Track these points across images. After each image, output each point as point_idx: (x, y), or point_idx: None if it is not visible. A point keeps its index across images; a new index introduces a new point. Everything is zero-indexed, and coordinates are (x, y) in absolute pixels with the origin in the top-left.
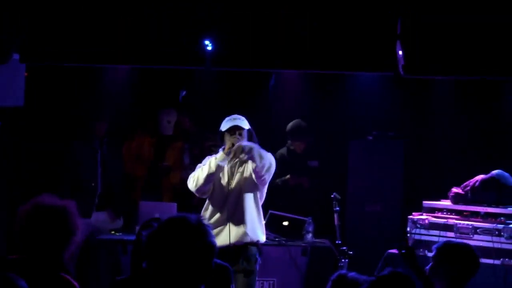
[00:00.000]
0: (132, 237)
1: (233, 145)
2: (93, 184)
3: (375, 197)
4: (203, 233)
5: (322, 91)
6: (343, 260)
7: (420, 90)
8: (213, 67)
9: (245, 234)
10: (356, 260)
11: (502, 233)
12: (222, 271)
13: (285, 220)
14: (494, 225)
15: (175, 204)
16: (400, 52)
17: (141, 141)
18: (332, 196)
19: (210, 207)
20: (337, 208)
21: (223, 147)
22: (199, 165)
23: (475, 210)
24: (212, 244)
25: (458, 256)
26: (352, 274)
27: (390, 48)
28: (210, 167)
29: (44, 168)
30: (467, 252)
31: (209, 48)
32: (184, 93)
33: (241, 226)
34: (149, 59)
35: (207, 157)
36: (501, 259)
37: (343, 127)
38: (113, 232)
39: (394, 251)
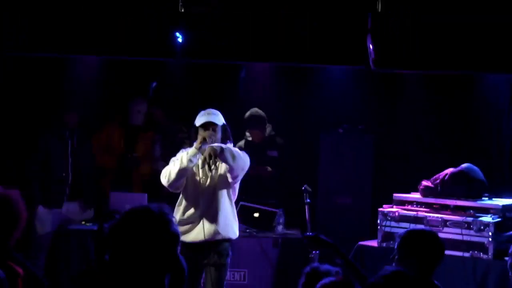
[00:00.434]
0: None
1: (204, 139)
2: (64, 175)
3: (345, 189)
4: (166, 223)
5: (293, 84)
6: (313, 252)
7: (390, 84)
8: (184, 59)
9: (218, 231)
10: (327, 252)
11: (471, 226)
12: None
13: (255, 212)
14: (464, 218)
15: (146, 195)
16: (371, 46)
17: (110, 132)
18: (302, 188)
19: (184, 202)
20: (308, 200)
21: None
22: (172, 159)
23: (445, 203)
24: (176, 233)
25: (422, 243)
26: (325, 266)
27: (360, 42)
28: (182, 162)
29: (14, 159)
30: (432, 238)
31: (180, 40)
32: (154, 84)
33: (214, 223)
34: (119, 50)
35: (180, 151)
36: (471, 252)
37: (314, 120)
38: (83, 222)
39: (365, 243)
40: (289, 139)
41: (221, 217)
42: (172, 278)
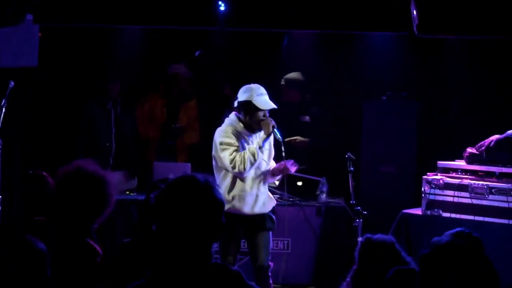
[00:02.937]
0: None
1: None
2: (107, 144)
3: (389, 157)
4: (211, 191)
5: (335, 52)
6: (357, 220)
7: (434, 50)
8: (226, 27)
9: (271, 200)
10: (370, 221)
11: None
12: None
13: (299, 181)
14: (509, 185)
15: (189, 164)
16: (414, 12)
17: (153, 102)
18: (346, 156)
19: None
20: (352, 168)
21: (257, 131)
22: (226, 142)
23: (490, 170)
24: (221, 201)
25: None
26: (378, 235)
27: (404, 7)
28: (255, 158)
29: (58, 129)
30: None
31: (222, 8)
32: (198, 53)
33: (266, 193)
34: (162, 19)
35: (228, 124)
36: None
37: (357, 88)
38: (127, 192)
39: (409, 211)
40: (332, 107)
41: (267, 189)
42: None
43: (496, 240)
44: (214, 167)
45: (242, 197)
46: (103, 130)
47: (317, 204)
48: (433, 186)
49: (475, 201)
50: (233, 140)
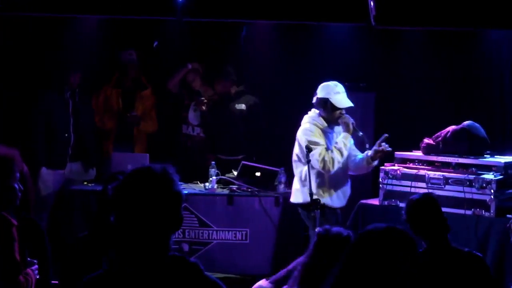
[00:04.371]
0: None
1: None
2: (66, 135)
3: None
4: (169, 182)
5: (294, 42)
6: (315, 211)
7: (391, 41)
8: (184, 17)
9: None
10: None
11: (473, 184)
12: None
13: (257, 171)
14: (466, 175)
15: (147, 155)
16: (372, 3)
17: (108, 92)
18: (304, 146)
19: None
20: (310, 159)
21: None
22: (315, 144)
23: (447, 160)
24: (179, 192)
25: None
26: (336, 228)
27: None
28: (343, 156)
29: (16, 118)
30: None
31: None
32: (156, 44)
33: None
34: (121, 9)
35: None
36: (472, 210)
37: (316, 78)
38: (85, 183)
39: (367, 201)
40: (291, 97)
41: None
42: None
43: (452, 231)
44: (294, 163)
45: (326, 190)
46: (61, 120)
47: (275, 195)
48: (390, 177)
49: (431, 192)
50: (319, 139)
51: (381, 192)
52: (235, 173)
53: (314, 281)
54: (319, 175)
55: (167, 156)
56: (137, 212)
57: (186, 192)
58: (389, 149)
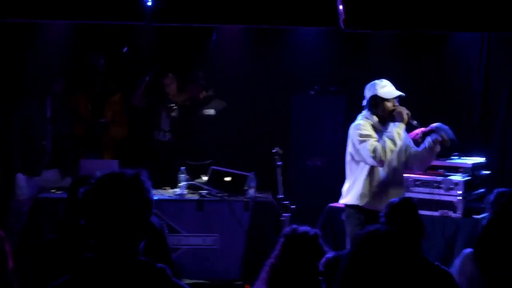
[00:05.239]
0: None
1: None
2: (44, 143)
3: (317, 151)
4: (139, 187)
5: (263, 46)
6: (285, 215)
7: (361, 45)
8: (153, 22)
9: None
10: (298, 214)
11: (441, 185)
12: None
13: (227, 176)
14: (434, 177)
15: (117, 161)
16: (341, 7)
17: (77, 99)
18: (274, 151)
19: (378, 174)
20: (279, 163)
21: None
22: (367, 136)
23: None
24: (149, 199)
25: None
26: (303, 227)
27: (331, 2)
28: (396, 145)
29: None
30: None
31: (149, 3)
32: (125, 49)
33: (402, 191)
34: (88, 14)
35: (363, 129)
36: (440, 211)
37: (286, 82)
38: (53, 190)
39: (335, 204)
40: (261, 101)
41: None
42: (152, 242)
43: None
44: (348, 163)
45: (376, 192)
46: (38, 127)
47: (245, 199)
48: None
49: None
50: (371, 132)
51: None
52: (205, 178)
53: (281, 281)
54: (370, 175)
55: (137, 162)
56: (106, 217)
57: (155, 198)
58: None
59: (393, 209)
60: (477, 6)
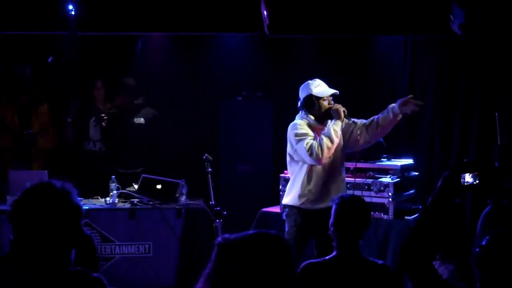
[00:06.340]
0: (3, 207)
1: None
2: None
3: (247, 156)
4: (68, 197)
5: (190, 53)
6: (217, 221)
7: (286, 49)
8: (78, 31)
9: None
10: (230, 220)
11: (371, 187)
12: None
13: (158, 184)
14: (364, 179)
15: (46, 172)
16: (265, 12)
17: (3, 111)
18: (204, 157)
19: (314, 174)
20: (210, 169)
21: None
22: (303, 135)
23: (345, 166)
24: (78, 206)
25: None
26: (235, 235)
27: (254, 8)
28: (332, 141)
29: None
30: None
31: (73, 12)
32: (51, 59)
33: (343, 188)
34: (13, 25)
35: (298, 128)
36: (371, 213)
37: (213, 88)
38: None
39: (268, 209)
40: (190, 108)
41: (343, 181)
42: (82, 248)
43: None
44: (288, 164)
45: (315, 192)
46: None
47: (177, 207)
48: None
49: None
50: (307, 131)
51: (281, 200)
52: (136, 186)
53: None
54: (309, 174)
55: (66, 172)
56: (36, 227)
57: (87, 207)
58: (421, 103)
59: (341, 206)
60: (398, 10)
